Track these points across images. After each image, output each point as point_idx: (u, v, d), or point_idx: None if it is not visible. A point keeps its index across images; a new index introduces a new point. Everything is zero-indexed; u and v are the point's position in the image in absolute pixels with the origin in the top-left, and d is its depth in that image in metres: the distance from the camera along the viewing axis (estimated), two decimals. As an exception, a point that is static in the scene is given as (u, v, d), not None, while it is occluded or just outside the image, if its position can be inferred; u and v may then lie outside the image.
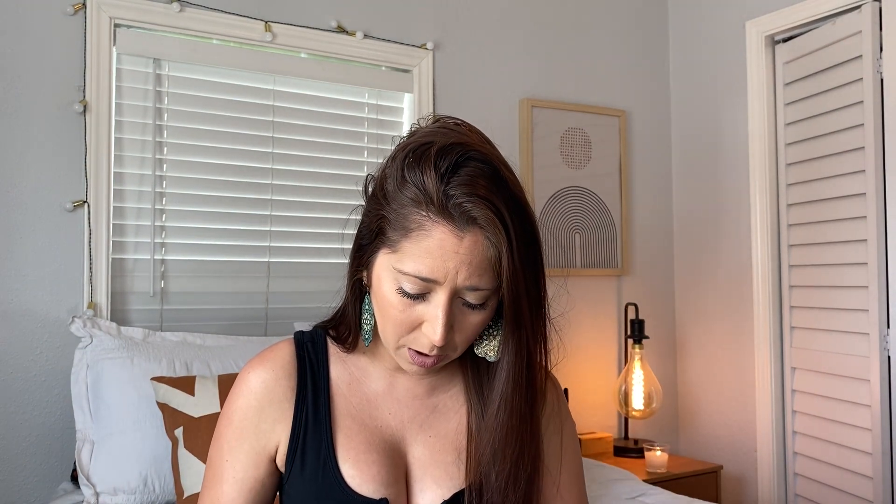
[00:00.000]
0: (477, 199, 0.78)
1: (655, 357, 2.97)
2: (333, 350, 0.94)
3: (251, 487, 0.90)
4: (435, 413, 0.93)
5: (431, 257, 0.78)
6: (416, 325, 0.82)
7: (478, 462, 0.88)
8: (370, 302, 0.88)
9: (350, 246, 0.90)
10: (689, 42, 3.04)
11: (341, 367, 0.93)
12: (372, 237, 0.84)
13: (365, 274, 0.87)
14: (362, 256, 0.86)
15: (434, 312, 0.80)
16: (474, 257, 0.79)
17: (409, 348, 0.84)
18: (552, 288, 0.92)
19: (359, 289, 0.90)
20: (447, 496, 0.88)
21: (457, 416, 0.93)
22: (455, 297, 0.81)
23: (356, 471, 0.86)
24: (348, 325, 0.92)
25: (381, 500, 0.85)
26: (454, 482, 0.89)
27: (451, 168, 0.78)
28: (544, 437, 0.94)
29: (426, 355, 0.83)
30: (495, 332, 0.88)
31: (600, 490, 2.00)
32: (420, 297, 0.80)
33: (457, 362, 0.95)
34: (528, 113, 2.72)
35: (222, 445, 0.91)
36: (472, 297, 0.81)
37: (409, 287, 0.80)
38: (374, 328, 0.88)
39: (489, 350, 0.88)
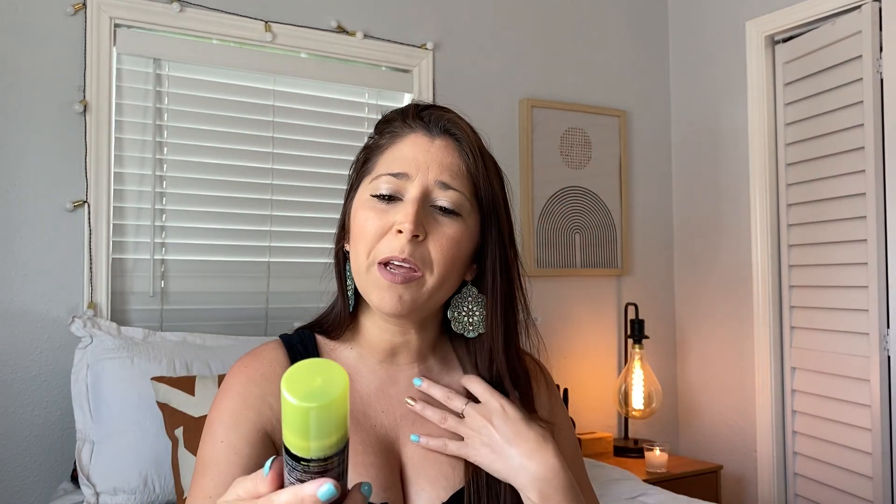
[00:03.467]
0: (450, 116, 0.89)
1: (655, 357, 2.97)
2: (324, 351, 0.92)
3: (254, 466, 0.80)
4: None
5: (403, 157, 0.85)
6: (386, 231, 0.83)
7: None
8: (351, 268, 0.89)
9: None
10: (689, 42, 3.04)
11: None
12: (354, 176, 0.91)
13: (347, 238, 0.90)
14: (344, 214, 0.91)
15: (404, 206, 0.83)
16: (445, 158, 0.85)
17: (379, 263, 0.82)
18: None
19: (342, 259, 0.92)
20: (444, 497, 0.86)
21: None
22: (427, 198, 0.84)
23: (355, 474, 0.83)
24: (337, 307, 0.92)
25: None
26: (449, 482, 0.86)
27: (425, 107, 0.90)
28: None
29: (397, 266, 0.81)
30: (475, 308, 0.89)
31: (600, 490, 2.00)
32: (392, 199, 0.84)
33: (446, 358, 0.94)
34: (528, 113, 2.72)
35: (216, 431, 0.83)
36: (444, 198, 0.84)
37: (383, 188, 0.84)
38: (356, 294, 0.89)
39: (469, 325, 0.90)
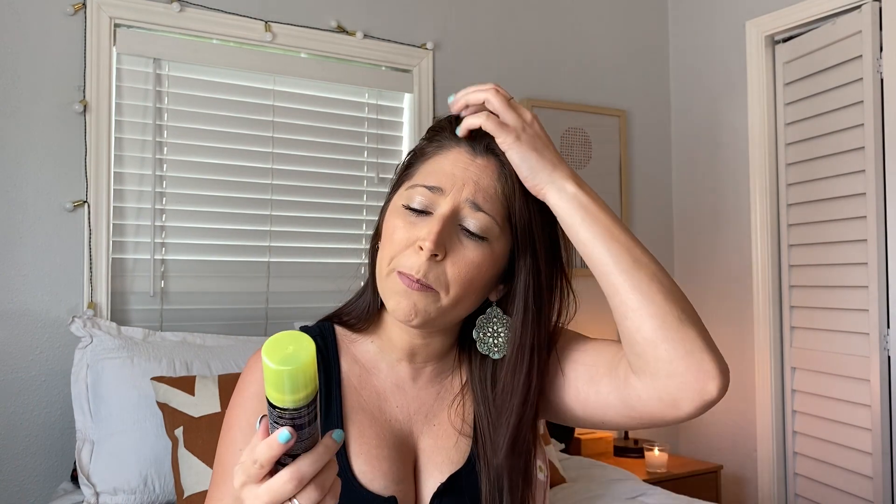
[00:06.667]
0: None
1: (655, 357, 2.97)
2: (343, 344, 0.94)
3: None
4: (438, 399, 0.93)
5: (442, 170, 0.84)
6: (411, 244, 0.83)
7: (482, 432, 0.88)
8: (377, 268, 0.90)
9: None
10: (689, 42, 3.04)
11: (351, 360, 0.93)
12: (396, 178, 0.90)
13: (380, 240, 0.90)
14: (382, 214, 0.90)
15: (430, 222, 0.82)
16: (482, 179, 0.84)
17: (398, 271, 0.83)
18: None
19: (376, 257, 0.92)
20: (443, 480, 0.88)
21: (458, 398, 0.93)
22: (455, 216, 0.83)
23: (368, 466, 0.85)
24: (365, 300, 0.93)
25: (389, 497, 0.84)
26: (453, 465, 0.89)
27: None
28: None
29: (412, 278, 0.82)
30: (500, 330, 0.89)
31: (600, 490, 2.00)
32: (424, 212, 0.84)
33: (459, 355, 0.95)
34: (528, 113, 2.72)
35: (234, 435, 0.87)
36: (472, 220, 0.83)
37: (416, 200, 0.84)
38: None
39: (494, 347, 0.89)
